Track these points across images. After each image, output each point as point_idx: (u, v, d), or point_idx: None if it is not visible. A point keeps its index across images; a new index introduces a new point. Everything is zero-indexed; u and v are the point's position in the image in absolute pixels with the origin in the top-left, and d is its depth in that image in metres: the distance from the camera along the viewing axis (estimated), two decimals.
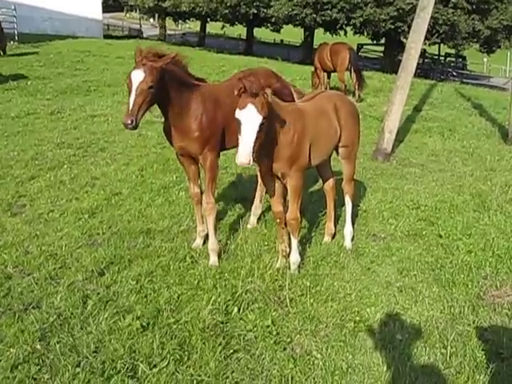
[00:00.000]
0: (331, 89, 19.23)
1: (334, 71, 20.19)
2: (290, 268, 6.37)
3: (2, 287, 5.68)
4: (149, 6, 47.39)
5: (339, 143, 6.80)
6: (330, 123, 6.54)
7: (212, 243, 6.53)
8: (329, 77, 21.09)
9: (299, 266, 6.43)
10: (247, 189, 8.80)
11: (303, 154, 5.98)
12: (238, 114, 5.18)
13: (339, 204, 7.83)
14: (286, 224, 6.29)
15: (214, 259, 6.50)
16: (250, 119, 5.13)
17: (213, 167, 6.33)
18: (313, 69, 21.59)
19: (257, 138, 5.15)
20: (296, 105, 6.17)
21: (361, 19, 33.99)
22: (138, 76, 5.53)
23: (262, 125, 5.15)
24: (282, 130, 5.71)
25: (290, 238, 6.40)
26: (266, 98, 5.21)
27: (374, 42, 41.94)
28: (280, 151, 5.75)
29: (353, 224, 7.49)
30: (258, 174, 6.23)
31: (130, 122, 5.45)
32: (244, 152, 5.08)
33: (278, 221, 6.34)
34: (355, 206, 8.46)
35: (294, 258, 6.37)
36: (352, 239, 7.33)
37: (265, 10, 38.29)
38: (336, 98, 6.88)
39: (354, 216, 7.93)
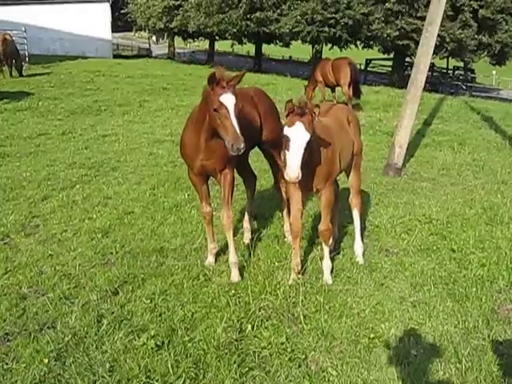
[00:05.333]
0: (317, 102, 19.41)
1: (337, 86, 20.71)
2: (323, 273, 6.56)
3: (18, 307, 5.71)
4: (159, 27, 47.66)
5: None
6: (348, 136, 6.79)
7: (233, 257, 6.57)
8: (333, 91, 21.58)
9: (331, 272, 6.59)
10: (258, 206, 8.83)
11: (336, 168, 6.28)
12: (287, 131, 5.45)
13: (347, 219, 7.83)
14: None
15: (235, 272, 6.52)
16: (298, 136, 5.39)
17: (231, 184, 6.46)
18: (306, 83, 22.00)
19: (303, 154, 5.42)
20: (321, 121, 6.25)
21: (367, 34, 34.12)
22: (233, 99, 5.55)
23: (308, 142, 5.42)
24: (320, 148, 5.92)
25: (297, 253, 6.47)
26: (312, 117, 5.49)
27: (385, 55, 41.96)
28: (318, 168, 5.98)
29: (362, 238, 7.51)
30: (289, 191, 6.31)
31: (243, 145, 5.50)
32: (294, 167, 5.36)
33: (296, 235, 6.41)
34: (367, 221, 8.49)
35: (327, 264, 6.55)
36: (363, 253, 7.34)
37: (270, 27, 38.47)
38: (347, 111, 7.21)
39: (364, 230, 7.97)
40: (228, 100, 5.54)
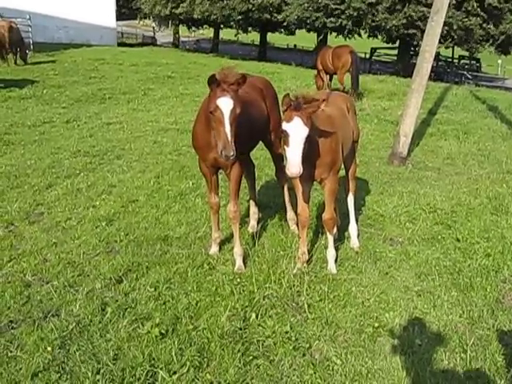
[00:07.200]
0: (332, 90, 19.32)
1: (336, 73, 20.47)
2: (327, 263, 6.59)
3: (22, 295, 5.72)
4: (165, 14, 47.25)
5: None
6: (349, 124, 6.88)
7: (238, 248, 6.58)
8: (331, 79, 21.37)
9: (336, 261, 6.63)
10: (263, 195, 8.83)
11: (340, 157, 6.29)
12: (286, 126, 5.40)
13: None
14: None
15: (239, 263, 6.52)
16: (297, 132, 5.35)
17: (240, 178, 6.44)
18: (315, 72, 21.81)
19: (303, 148, 5.39)
20: (324, 112, 6.23)
21: (372, 24, 33.88)
22: (230, 104, 5.46)
23: (307, 136, 5.39)
24: (322, 138, 5.92)
25: (304, 243, 6.53)
26: (310, 112, 5.46)
27: (390, 44, 41.74)
28: (322, 158, 5.99)
29: (357, 222, 7.59)
30: (293, 181, 6.29)
31: (232, 153, 5.42)
32: (295, 162, 5.34)
33: (304, 225, 6.44)
34: (372, 210, 8.47)
35: (331, 253, 6.59)
36: (358, 236, 7.41)
37: (277, 15, 38.28)
38: (345, 98, 7.32)
39: (368, 218, 8.13)
40: (225, 104, 5.45)
